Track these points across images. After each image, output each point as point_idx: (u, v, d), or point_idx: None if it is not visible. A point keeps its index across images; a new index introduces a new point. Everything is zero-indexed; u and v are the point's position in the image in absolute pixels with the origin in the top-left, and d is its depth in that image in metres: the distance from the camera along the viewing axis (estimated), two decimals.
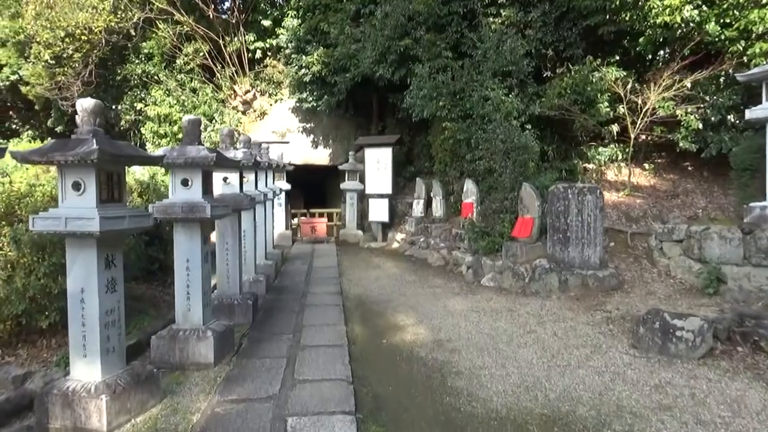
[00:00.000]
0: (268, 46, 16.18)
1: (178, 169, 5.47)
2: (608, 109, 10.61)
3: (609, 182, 11.33)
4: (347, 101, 14.94)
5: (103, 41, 16.08)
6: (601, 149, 11.61)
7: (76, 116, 4.19)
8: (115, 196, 4.29)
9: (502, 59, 10.64)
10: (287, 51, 15.29)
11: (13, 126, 22.14)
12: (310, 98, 14.87)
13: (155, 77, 16.59)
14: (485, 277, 9.18)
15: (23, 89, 17.32)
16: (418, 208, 13.82)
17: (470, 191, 10.87)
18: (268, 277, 8.89)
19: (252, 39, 15.99)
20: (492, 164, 9.98)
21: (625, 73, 10.50)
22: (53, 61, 15.82)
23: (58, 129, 19.01)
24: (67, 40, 15.52)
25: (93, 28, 15.62)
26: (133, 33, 16.47)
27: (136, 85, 17.18)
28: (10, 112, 22.60)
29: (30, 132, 21.43)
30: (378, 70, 12.33)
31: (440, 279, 9.78)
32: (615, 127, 10.78)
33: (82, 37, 15.64)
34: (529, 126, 10.34)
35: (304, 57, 14.24)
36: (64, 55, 15.82)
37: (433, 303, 8.02)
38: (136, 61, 17.00)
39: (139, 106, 16.26)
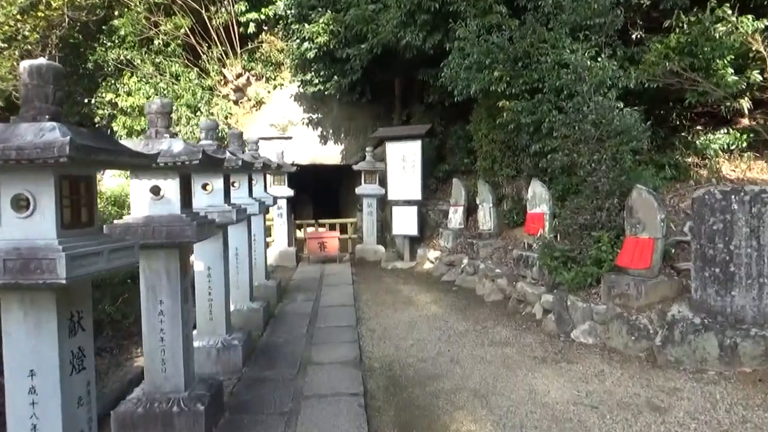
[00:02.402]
0: (263, 17, 13.06)
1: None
2: (735, 77, 7.38)
3: (729, 180, 8.11)
4: (363, 83, 11.82)
5: (67, 19, 13.22)
6: (711, 136, 8.39)
7: None
8: None
9: (584, 10, 7.49)
10: (287, 21, 12.17)
11: None
12: (316, 80, 11.76)
13: (130, 62, 13.66)
14: (578, 329, 6.06)
15: None
16: (456, 217, 10.73)
17: (539, 197, 7.75)
18: (248, 335, 5.84)
19: (243, 9, 12.87)
20: (576, 158, 6.84)
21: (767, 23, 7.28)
22: (5, 44, 12.97)
23: None
24: (19, 17, 12.69)
25: (51, 2, 12.78)
26: (104, 9, 13.56)
27: (111, 74, 14.30)
28: None
29: None
30: (404, 36, 9.23)
31: (505, 327, 6.66)
32: (745, 103, 7.56)
33: (39, 14, 12.80)
34: (621, 104, 7.19)
35: (307, 26, 11.12)
36: (19, 37, 12.99)
37: (511, 383, 4.92)
38: (108, 44, 14.10)
39: (109, 96, 13.33)
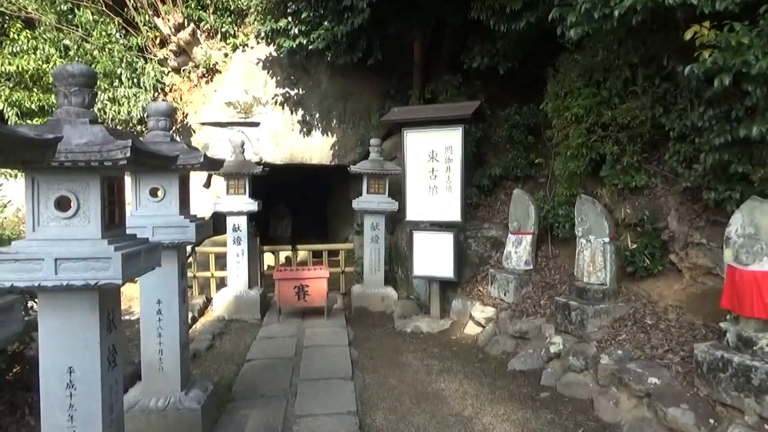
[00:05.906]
0: None
1: None
2: None
3: None
4: (370, 35, 7.55)
5: None
6: None
7: None
8: None
9: None
10: None
11: None
12: (296, 29, 7.44)
13: (24, 10, 9.33)
14: None
15: None
16: (519, 252, 6.64)
17: None
18: None
19: None
20: None
21: None
22: None
23: None
24: None
25: None
26: None
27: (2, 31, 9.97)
28: None
29: None
30: None
31: None
32: None
33: None
34: None
35: None
36: None
37: None
38: None
39: None
